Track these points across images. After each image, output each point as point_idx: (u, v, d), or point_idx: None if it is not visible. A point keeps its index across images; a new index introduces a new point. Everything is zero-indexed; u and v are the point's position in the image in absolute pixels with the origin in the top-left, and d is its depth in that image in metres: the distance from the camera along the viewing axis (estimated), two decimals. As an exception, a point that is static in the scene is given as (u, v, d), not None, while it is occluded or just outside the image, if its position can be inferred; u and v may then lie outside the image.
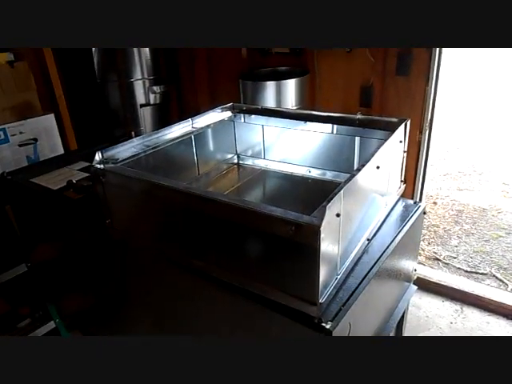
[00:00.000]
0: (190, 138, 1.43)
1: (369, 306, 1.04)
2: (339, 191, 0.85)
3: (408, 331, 2.24)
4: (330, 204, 0.80)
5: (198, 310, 1.11)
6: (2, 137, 2.13)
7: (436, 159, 4.24)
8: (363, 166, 0.98)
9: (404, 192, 1.52)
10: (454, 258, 2.86)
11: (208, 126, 1.49)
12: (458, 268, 2.74)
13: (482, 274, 2.68)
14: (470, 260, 2.82)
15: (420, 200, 2.43)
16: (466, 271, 2.71)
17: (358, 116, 1.34)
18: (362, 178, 0.97)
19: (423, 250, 2.92)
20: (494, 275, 2.64)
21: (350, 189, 0.91)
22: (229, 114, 1.58)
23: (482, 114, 5.82)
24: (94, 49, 2.84)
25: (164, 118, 3.19)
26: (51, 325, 2.30)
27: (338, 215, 0.86)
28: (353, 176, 0.93)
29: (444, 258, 2.84)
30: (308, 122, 1.44)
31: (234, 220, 0.90)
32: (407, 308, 1.43)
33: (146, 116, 3.05)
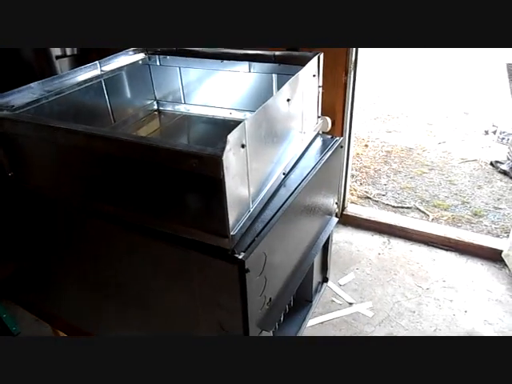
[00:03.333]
0: (100, 82, 1.33)
1: (286, 236, 1.08)
2: (242, 122, 0.84)
3: (341, 265, 2.39)
4: (231, 134, 0.79)
5: (116, 258, 1.09)
6: None
7: (367, 104, 4.36)
8: (270, 97, 0.97)
9: (333, 132, 1.55)
10: (383, 195, 3.03)
11: (120, 69, 1.40)
12: (387, 204, 2.92)
13: (407, 207, 2.87)
14: (397, 196, 3.01)
15: (349, 141, 2.51)
16: (394, 206, 2.89)
17: (275, 52, 1.31)
18: (270, 110, 0.97)
19: (355, 190, 3.07)
20: (417, 208, 2.85)
21: (255, 120, 0.90)
22: (142, 56, 1.49)
23: (411, 60, 6.01)
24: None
25: (84, 71, 2.98)
26: (-22, 295, 2.18)
27: (242, 146, 0.85)
28: (258, 108, 0.92)
29: (374, 196, 3.01)
30: (225, 61, 1.39)
31: (138, 158, 0.87)
32: (331, 238, 1.50)
33: (64, 69, 2.81)
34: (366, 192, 3.06)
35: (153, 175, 0.89)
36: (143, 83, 1.54)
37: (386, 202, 2.94)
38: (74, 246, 1.17)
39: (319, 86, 1.30)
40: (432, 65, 5.81)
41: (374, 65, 5.43)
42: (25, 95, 1.12)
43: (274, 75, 1.35)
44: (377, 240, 2.57)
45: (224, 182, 0.79)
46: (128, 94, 1.48)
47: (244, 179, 0.89)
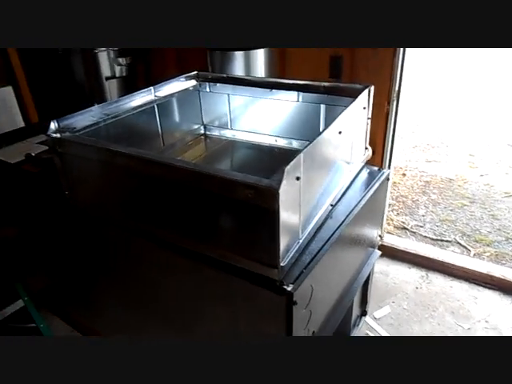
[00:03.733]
0: (153, 107, 1.39)
1: (331, 269, 1.06)
2: (299, 154, 0.85)
3: (376, 297, 2.32)
4: (288, 167, 0.80)
5: (161, 279, 1.10)
6: (-44, 110, 2.02)
7: (406, 132, 4.30)
8: (324, 130, 0.98)
9: (373, 162, 1.54)
10: (421, 226, 2.94)
11: (172, 95, 1.45)
12: (425, 236, 2.83)
13: (446, 241, 2.78)
14: (436, 228, 2.91)
15: (384, 167, 2.47)
16: (432, 239, 2.80)
17: (324, 83, 1.33)
18: (324, 142, 0.97)
19: (392, 220, 3.00)
20: (457, 242, 2.75)
21: (310, 153, 0.90)
22: (193, 82, 1.54)
23: (452, 88, 5.92)
24: (53, 18, 2.69)
25: (131, 92, 3.10)
26: (19, 303, 2.26)
27: (297, 178, 0.86)
28: (313, 140, 0.93)
29: (412, 227, 2.93)
30: (274, 90, 1.42)
31: (194, 185, 0.89)
32: (372, 272, 1.47)
33: (112, 90, 2.94)
34: (403, 222, 2.99)
35: (205, 201, 0.91)
36: (192, 108, 1.59)
37: (424, 234, 2.86)
38: (120, 264, 1.19)
39: (368, 118, 1.30)
40: (474, 93, 5.70)
41: (413, 92, 5.39)
42: (85, 118, 1.18)
43: (322, 105, 1.36)
44: (414, 273, 2.49)
45: (278, 214, 0.80)
46: (177, 118, 1.53)
47: (296, 211, 0.89)
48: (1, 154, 1.54)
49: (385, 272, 2.48)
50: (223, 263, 0.93)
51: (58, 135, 1.07)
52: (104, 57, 2.88)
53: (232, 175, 0.83)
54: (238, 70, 2.37)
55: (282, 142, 1.51)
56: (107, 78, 2.92)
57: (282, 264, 0.87)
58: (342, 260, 1.14)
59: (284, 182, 0.78)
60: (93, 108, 1.21)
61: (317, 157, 0.97)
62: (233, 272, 0.92)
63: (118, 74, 2.94)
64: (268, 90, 1.43)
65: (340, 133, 1.07)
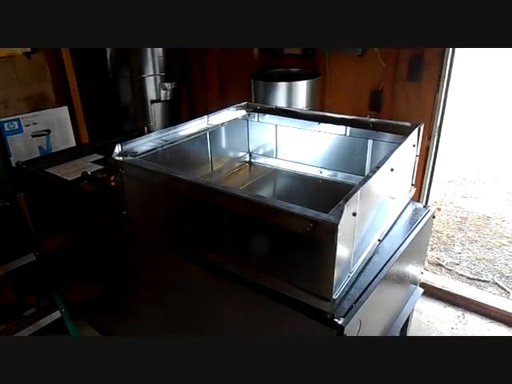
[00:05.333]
0: (205, 134, 1.45)
1: (378, 305, 1.07)
2: (356, 191, 0.88)
3: (409, 335, 2.26)
4: (348, 203, 0.82)
5: (210, 303, 1.13)
6: (16, 127, 2.16)
7: (441, 165, 4.25)
8: (378, 167, 1.00)
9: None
10: (457, 264, 2.87)
11: (223, 124, 1.51)
12: (461, 275, 2.76)
13: (484, 281, 2.69)
14: (473, 267, 2.84)
15: (426, 204, 2.45)
16: (469, 278, 2.72)
17: (372, 119, 1.36)
18: (377, 179, 1.00)
19: (426, 256, 2.94)
20: (496, 283, 2.66)
21: (366, 189, 0.93)
22: (243, 112, 1.60)
23: (488, 122, 5.84)
24: (107, 43, 2.86)
25: (174, 115, 3.22)
26: (57, 314, 2.32)
27: (354, 214, 0.88)
28: (369, 177, 0.95)
29: (447, 264, 2.86)
30: (321, 123, 1.46)
31: (250, 215, 0.92)
32: (412, 311, 1.45)
33: (156, 112, 3.07)
34: (438, 259, 2.93)
35: (264, 232, 0.94)
36: (240, 136, 1.65)
37: (460, 272, 2.78)
38: (168, 285, 1.23)
39: (416, 156, 1.31)
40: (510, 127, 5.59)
41: (449, 126, 5.34)
42: (145, 143, 1.24)
43: (369, 141, 1.39)
44: (450, 313, 2.42)
45: (335, 248, 0.82)
46: (226, 145, 1.59)
47: (350, 245, 0.91)
48: (58, 170, 1.63)
49: (419, 310, 2.42)
50: (275, 292, 0.95)
51: (121, 158, 1.13)
52: (151, 81, 3.03)
53: (292, 208, 0.86)
54: (281, 99, 2.45)
55: (326, 174, 1.54)
56: (152, 102, 3.06)
57: (334, 297, 0.88)
58: (388, 296, 1.14)
59: (343, 218, 0.80)
60: (152, 134, 1.28)
61: (370, 193, 0.99)
62: (284, 301, 0.94)
63: (162, 98, 3.08)
64: (315, 122, 1.47)
65: (392, 170, 1.09)
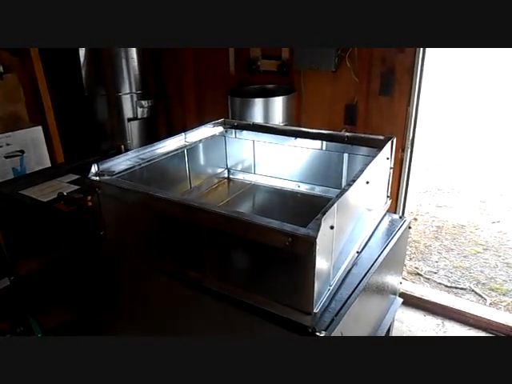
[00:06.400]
0: (183, 151, 1.45)
1: (359, 316, 1.08)
2: (333, 204, 0.89)
3: (392, 345, 2.28)
4: (325, 216, 0.84)
5: (190, 321, 1.12)
6: (-12, 148, 2.11)
7: (416, 176, 4.36)
8: (354, 180, 1.03)
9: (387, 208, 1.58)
10: (435, 273, 2.93)
11: (200, 141, 1.52)
12: (439, 283, 2.81)
13: (461, 288, 2.75)
14: (450, 275, 2.90)
15: (402, 215, 2.50)
16: (447, 286, 2.78)
17: (347, 134, 1.39)
18: (353, 192, 1.02)
19: (405, 265, 2.99)
20: (473, 290, 2.72)
21: (342, 202, 0.95)
22: (220, 129, 1.62)
23: (460, 132, 6.04)
24: (82, 62, 2.85)
25: (151, 133, 3.21)
26: (32, 340, 2.24)
27: (331, 227, 0.89)
28: (345, 190, 0.97)
29: (425, 273, 2.91)
30: (298, 139, 1.49)
31: (229, 231, 0.92)
32: (393, 320, 1.47)
33: (133, 130, 3.06)
34: (417, 268, 2.98)
35: (242, 248, 0.94)
36: (217, 153, 1.66)
37: (438, 281, 2.84)
38: (148, 303, 1.21)
39: (391, 168, 1.35)
40: (484, 137, 5.80)
41: (422, 138, 5.50)
42: (122, 162, 1.24)
43: (345, 154, 1.42)
44: (430, 321, 2.45)
45: (314, 262, 0.83)
46: (204, 162, 1.59)
47: (329, 258, 0.92)
48: (32, 192, 1.60)
49: (399, 319, 2.45)
50: (254, 307, 0.95)
51: (98, 178, 1.12)
52: (127, 99, 3.02)
53: (270, 223, 0.87)
54: (257, 115, 2.48)
55: (304, 188, 1.56)
56: (129, 120, 3.05)
57: (315, 311, 0.89)
58: (368, 307, 1.15)
59: (320, 231, 0.82)
60: (129, 152, 1.28)
61: (347, 206, 1.01)
62: (264, 317, 0.94)
63: (139, 116, 3.08)
64: (292, 137, 1.50)
65: (367, 182, 1.11)
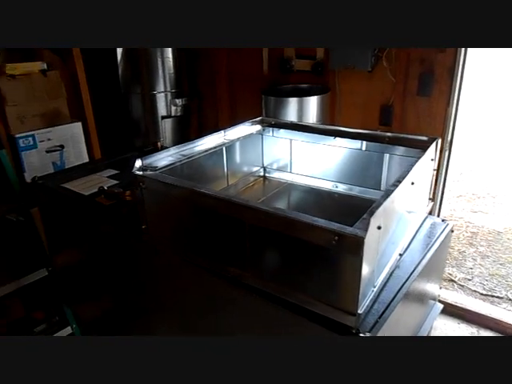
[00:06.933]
0: (222, 149, 1.46)
1: (401, 320, 1.05)
2: (381, 204, 0.88)
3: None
4: (373, 216, 0.82)
5: (231, 318, 1.12)
6: (31, 143, 2.18)
7: (450, 181, 4.24)
8: (400, 181, 1.01)
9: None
10: (469, 280, 2.84)
11: (238, 139, 1.52)
12: (474, 290, 2.72)
13: (497, 297, 2.66)
14: (486, 283, 2.80)
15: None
16: (482, 294, 2.69)
17: (388, 134, 1.37)
18: (399, 192, 1.00)
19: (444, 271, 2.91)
20: (510, 299, 2.62)
21: (389, 202, 0.93)
22: (258, 127, 1.62)
23: (496, 136, 5.84)
24: (119, 60, 2.92)
25: (184, 131, 3.25)
26: (68, 330, 2.31)
27: (379, 228, 0.88)
28: (391, 190, 0.95)
29: (459, 280, 2.83)
30: (337, 138, 1.47)
31: (274, 228, 0.92)
32: (431, 327, 1.43)
33: (166, 128, 3.11)
34: (450, 274, 2.90)
35: (285, 245, 0.94)
36: (254, 151, 1.66)
37: (472, 288, 2.75)
38: (187, 299, 1.22)
39: (434, 169, 1.31)
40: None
41: (457, 141, 5.34)
42: (165, 158, 1.25)
43: (385, 155, 1.40)
44: (464, 329, 2.38)
45: (361, 262, 0.81)
46: (241, 160, 1.60)
47: (374, 259, 0.91)
48: (74, 185, 1.64)
49: (433, 326, 2.39)
50: (298, 306, 0.94)
51: (142, 173, 1.14)
52: (162, 98, 3.07)
53: (316, 221, 0.86)
54: (291, 115, 2.47)
55: (341, 188, 1.54)
56: (163, 117, 3.10)
57: (359, 311, 0.87)
58: (409, 312, 1.12)
59: (369, 231, 0.80)
60: (170, 149, 1.29)
61: (392, 206, 0.99)
62: (307, 316, 0.93)
63: (173, 114, 3.12)
64: (331, 137, 1.48)
65: (412, 183, 1.09)
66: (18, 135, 2.14)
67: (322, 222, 0.86)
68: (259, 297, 1.00)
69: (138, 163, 1.16)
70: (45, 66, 2.19)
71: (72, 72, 2.35)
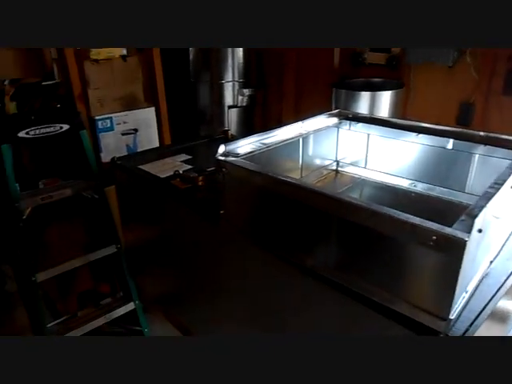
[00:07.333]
0: (299, 140, 1.45)
1: (490, 330, 0.99)
2: (484, 206, 0.82)
3: None
4: (477, 218, 0.77)
5: (303, 310, 1.11)
6: (109, 125, 2.29)
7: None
8: (500, 184, 0.94)
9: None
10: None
11: (315, 131, 1.50)
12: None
13: None
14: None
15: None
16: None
17: (481, 133, 1.28)
18: (499, 196, 0.93)
19: None
20: None
21: (491, 205, 0.87)
22: (334, 120, 1.58)
23: None
24: (190, 49, 2.98)
25: (248, 121, 3.27)
26: (131, 306, 2.42)
27: (479, 231, 0.82)
28: (492, 193, 0.89)
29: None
30: (420, 135, 1.40)
31: (363, 224, 0.89)
32: None
33: (232, 117, 3.15)
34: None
35: (373, 241, 0.91)
36: (329, 144, 1.63)
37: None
38: (260, 288, 1.23)
39: (532, 174, 1.21)
40: None
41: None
42: (246, 145, 1.26)
43: (475, 155, 1.31)
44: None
45: (460, 265, 0.77)
46: (315, 152, 1.57)
47: (470, 264, 0.85)
48: (149, 168, 1.70)
49: None
50: (380, 305, 0.91)
51: (225, 158, 1.15)
52: (229, 87, 3.10)
53: (409, 218, 0.82)
54: (363, 109, 2.40)
55: (420, 187, 1.48)
56: (229, 107, 3.14)
57: (450, 317, 0.83)
58: (499, 322, 1.05)
59: (473, 232, 0.75)
60: (252, 137, 1.30)
61: (492, 210, 0.92)
62: (390, 316, 0.90)
63: (239, 104, 3.15)
64: (412, 133, 1.42)
65: (512, 187, 1.01)
66: (97, 117, 2.26)
67: (417, 220, 0.82)
68: (337, 291, 0.98)
69: (222, 149, 1.17)
70: (125, 52, 2.29)
71: (148, 58, 2.43)
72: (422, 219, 0.82)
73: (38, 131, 1.97)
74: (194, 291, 1.59)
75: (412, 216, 0.84)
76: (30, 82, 2.35)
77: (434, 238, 0.78)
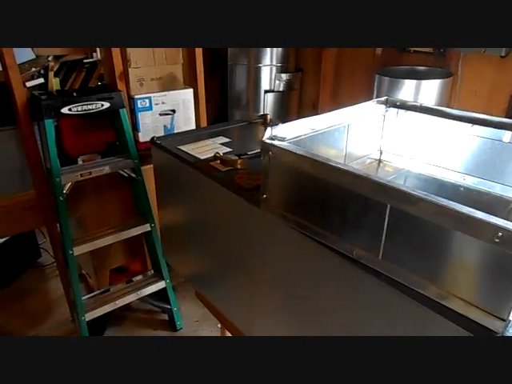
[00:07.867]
0: (345, 126, 1.40)
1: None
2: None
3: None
4: (549, 215, 0.72)
5: (346, 301, 1.09)
6: (147, 105, 2.30)
7: None
8: None
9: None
10: None
11: (361, 117, 1.45)
12: None
13: None
14: None
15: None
16: None
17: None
18: None
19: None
20: None
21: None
22: (382, 107, 1.53)
23: None
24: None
25: (284, 106, 3.23)
26: (162, 284, 2.47)
27: (546, 229, 0.77)
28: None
29: None
30: (475, 126, 1.34)
31: (421, 216, 0.86)
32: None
33: (268, 102, 3.11)
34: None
35: (431, 234, 0.87)
36: (374, 132, 1.57)
37: None
38: (301, 277, 1.21)
39: None
40: None
41: None
42: (293, 129, 1.23)
43: (536, 150, 1.24)
44: None
45: (526, 264, 0.72)
46: (359, 139, 1.53)
47: (535, 263, 0.81)
48: (189, 148, 1.70)
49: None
50: (432, 301, 0.88)
51: (272, 142, 1.13)
52: (267, 71, 3.06)
53: (472, 212, 0.78)
54: (406, 98, 2.31)
55: (470, 181, 1.41)
56: (266, 91, 3.10)
57: (510, 318, 0.79)
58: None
59: (542, 231, 0.71)
60: (300, 120, 1.26)
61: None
62: (441, 312, 0.86)
63: (275, 89, 3.11)
64: (468, 124, 1.35)
65: None
66: (136, 96, 2.27)
67: (480, 214, 0.78)
68: (386, 284, 0.95)
69: (269, 132, 1.14)
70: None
71: (189, 39, 2.41)
72: (486, 214, 0.78)
73: (80, 108, 2.00)
74: (228, 274, 1.59)
75: (475, 210, 0.79)
76: (72, 59, 2.38)
77: (500, 234, 0.74)
